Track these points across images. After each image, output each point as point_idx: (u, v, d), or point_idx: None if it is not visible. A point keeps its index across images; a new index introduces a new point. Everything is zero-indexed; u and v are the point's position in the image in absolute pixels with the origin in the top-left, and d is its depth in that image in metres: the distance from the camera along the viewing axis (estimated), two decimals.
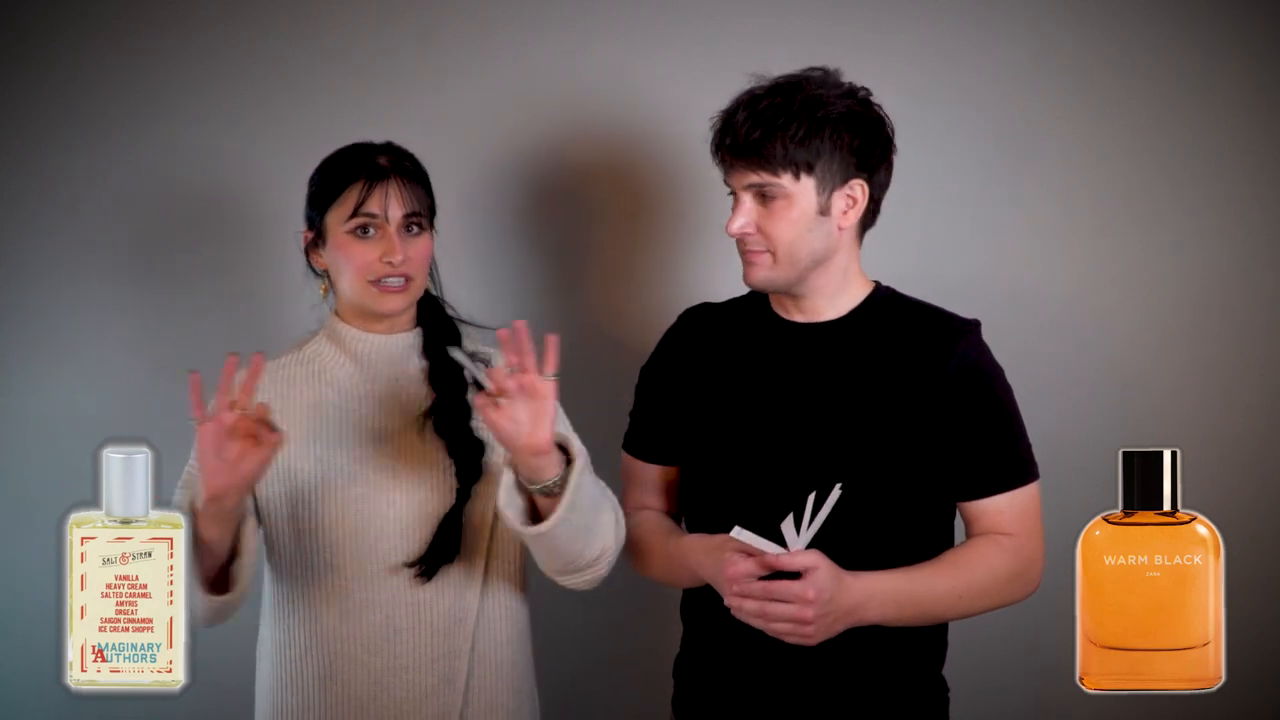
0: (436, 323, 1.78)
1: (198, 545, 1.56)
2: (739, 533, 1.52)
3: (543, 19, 2.17)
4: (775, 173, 1.60)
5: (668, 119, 2.12)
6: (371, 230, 1.68)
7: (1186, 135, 2.14)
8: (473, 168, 2.17)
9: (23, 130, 2.18)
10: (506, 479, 1.58)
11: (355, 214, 1.68)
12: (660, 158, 2.15)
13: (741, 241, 1.65)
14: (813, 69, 1.64)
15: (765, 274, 1.65)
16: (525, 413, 1.52)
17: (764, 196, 1.62)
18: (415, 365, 1.76)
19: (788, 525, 1.52)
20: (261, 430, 1.54)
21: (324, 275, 1.76)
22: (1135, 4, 2.13)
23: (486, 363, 1.77)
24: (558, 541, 1.59)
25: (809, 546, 1.53)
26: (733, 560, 1.54)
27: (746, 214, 1.63)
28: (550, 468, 1.55)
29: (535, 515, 1.61)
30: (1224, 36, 2.13)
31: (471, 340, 1.80)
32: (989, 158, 2.16)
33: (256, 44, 2.18)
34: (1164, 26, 2.13)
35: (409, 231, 1.70)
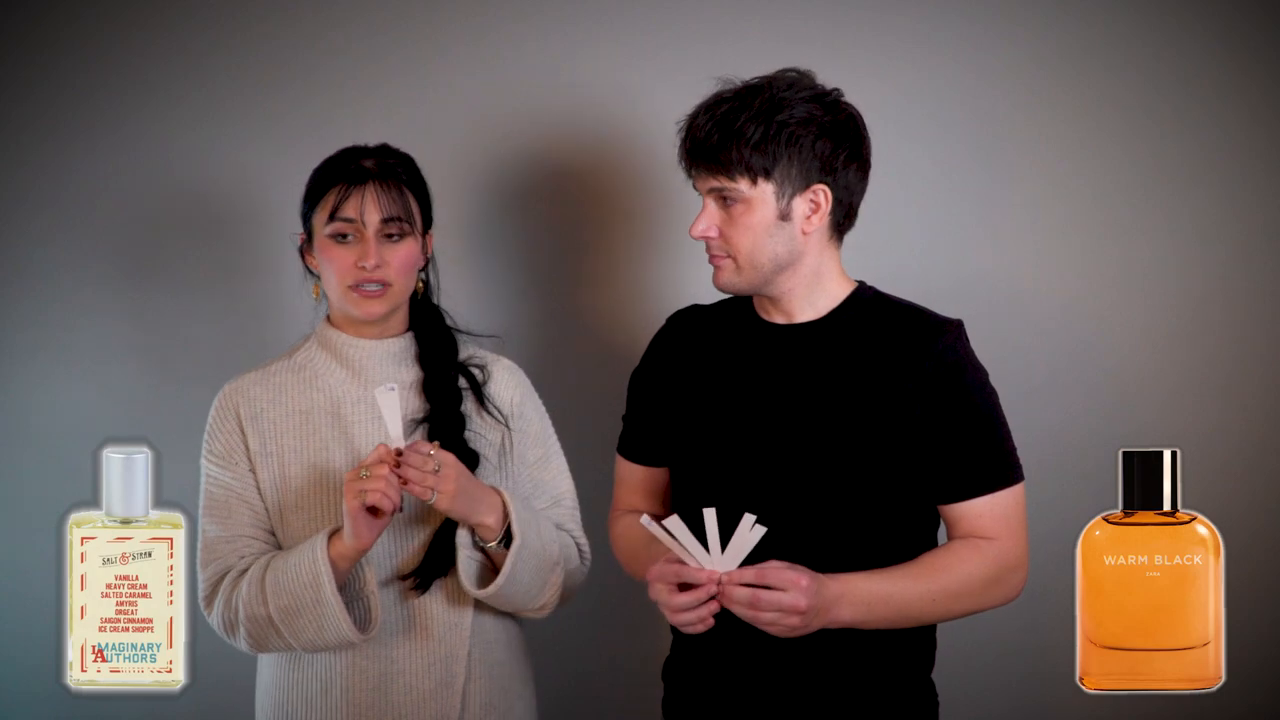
0: (432, 332, 1.77)
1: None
2: (648, 523, 1.53)
3: (538, 22, 2.17)
4: (733, 177, 1.59)
5: (662, 122, 2.10)
6: (349, 235, 1.68)
7: (1187, 135, 2.14)
8: (467, 170, 2.17)
9: (22, 131, 2.18)
10: (462, 535, 1.68)
11: (332, 218, 1.68)
12: (652, 160, 2.15)
13: (706, 245, 1.65)
14: (787, 70, 1.63)
15: (728, 278, 1.65)
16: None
17: (725, 201, 1.61)
18: (408, 374, 1.75)
19: (695, 547, 1.52)
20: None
21: (317, 276, 1.76)
22: (1135, 4, 2.13)
23: (482, 368, 1.77)
24: (498, 601, 1.69)
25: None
26: (657, 573, 1.55)
27: (708, 218, 1.63)
28: (488, 533, 1.66)
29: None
30: (1225, 36, 2.13)
31: (465, 347, 1.80)
32: (989, 158, 2.16)
33: (255, 46, 2.18)
34: (1164, 26, 2.13)
35: (389, 238, 1.69)
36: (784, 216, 1.60)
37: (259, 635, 1.63)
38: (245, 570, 1.65)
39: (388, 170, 1.70)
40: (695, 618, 1.54)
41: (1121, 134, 2.14)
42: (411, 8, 2.18)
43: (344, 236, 1.68)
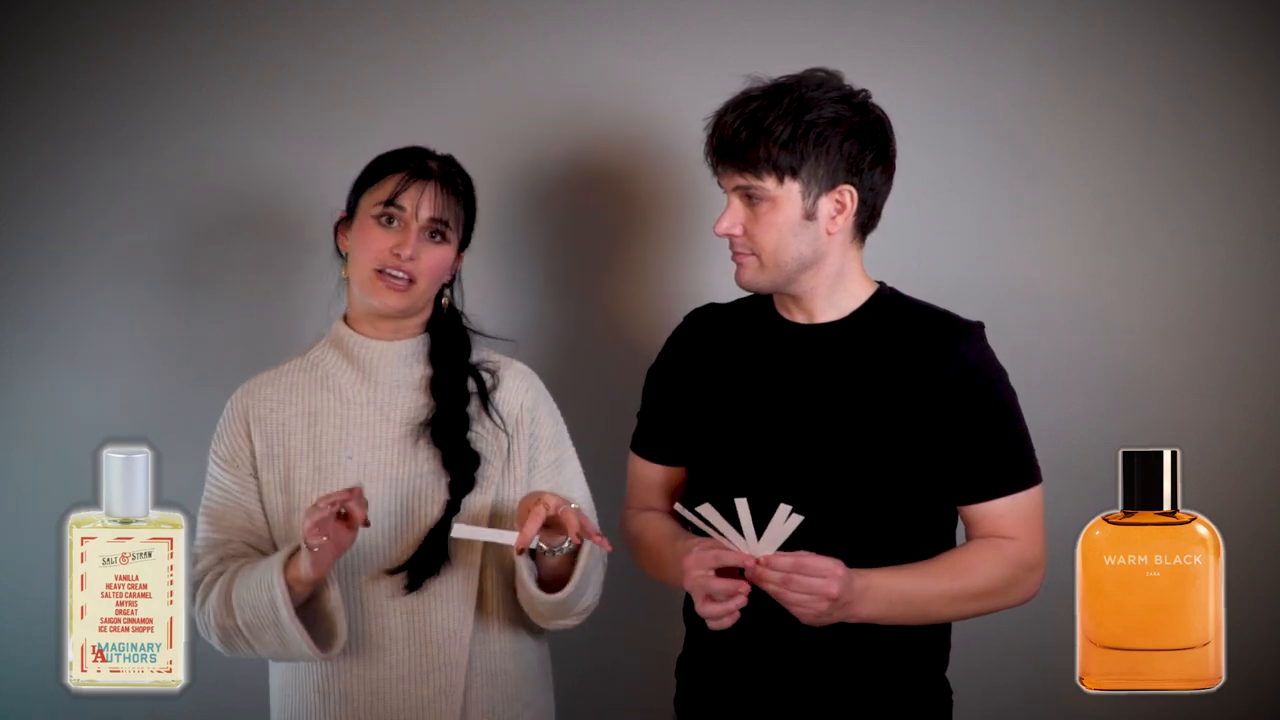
0: (447, 332, 1.77)
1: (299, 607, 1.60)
2: (682, 510, 1.55)
3: (538, 22, 2.17)
4: (759, 176, 1.59)
5: (673, 119, 2.12)
6: (395, 221, 1.70)
7: (1187, 135, 2.14)
8: (478, 171, 2.16)
9: (22, 131, 2.18)
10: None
11: (386, 202, 1.69)
12: (665, 158, 2.15)
13: (729, 243, 1.65)
14: (815, 70, 1.63)
15: (751, 276, 1.65)
16: None
17: (750, 199, 1.61)
18: (418, 373, 1.75)
19: (731, 532, 1.54)
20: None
21: (346, 259, 1.76)
22: (1135, 4, 2.13)
23: (493, 373, 1.77)
24: (561, 605, 1.66)
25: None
26: (694, 561, 1.56)
27: (733, 215, 1.63)
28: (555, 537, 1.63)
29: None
30: (1225, 36, 2.13)
31: (479, 349, 1.80)
32: (989, 158, 2.16)
33: (255, 46, 2.18)
34: (1164, 26, 2.13)
35: (431, 237, 1.70)
36: (809, 216, 1.61)
37: (229, 642, 1.65)
38: (220, 575, 1.66)
39: (450, 176, 1.73)
40: (722, 610, 1.54)
41: (1121, 134, 2.14)
42: (412, 8, 2.18)
43: (390, 221, 1.69)
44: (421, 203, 1.69)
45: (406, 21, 2.18)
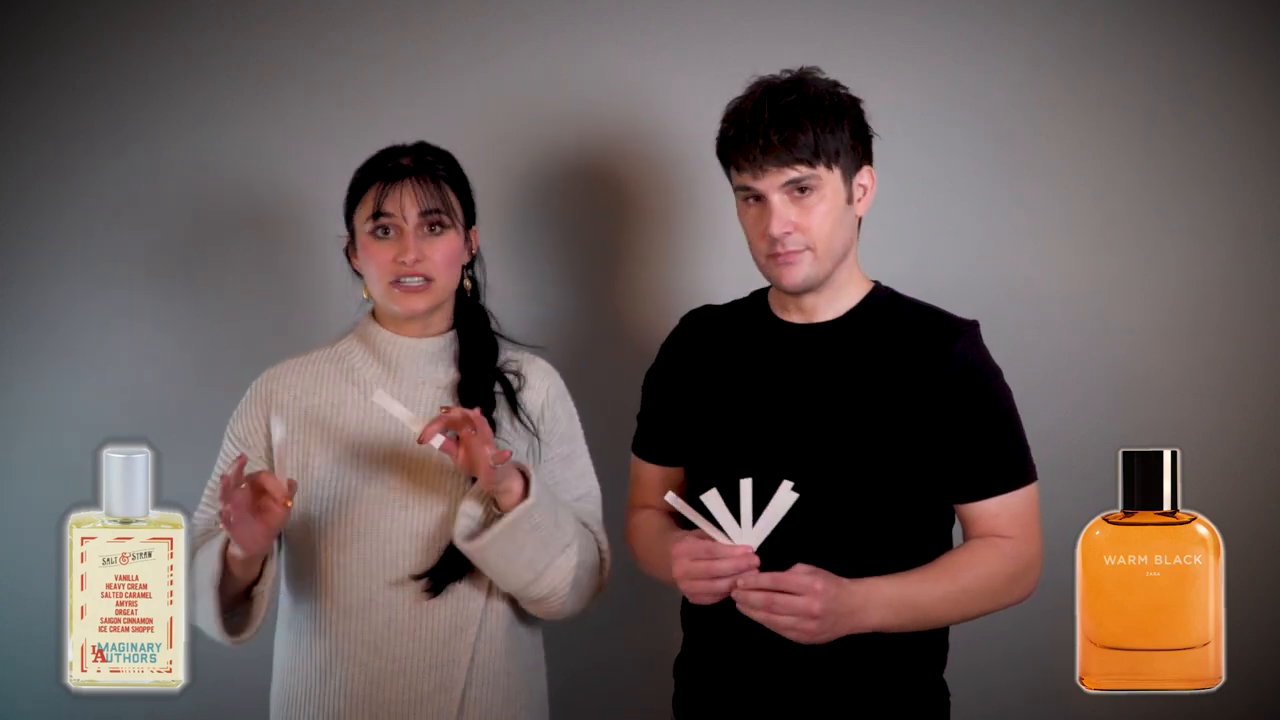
0: (475, 334, 1.77)
1: (224, 583, 1.62)
2: (673, 499, 1.54)
3: (538, 22, 2.17)
4: (811, 164, 1.59)
5: (673, 119, 2.12)
6: (390, 231, 1.69)
7: (1187, 135, 2.14)
8: (477, 170, 2.15)
9: (22, 131, 2.18)
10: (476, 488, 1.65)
11: (373, 215, 1.69)
12: (666, 157, 2.15)
13: (779, 243, 1.61)
14: (786, 70, 1.65)
15: (807, 271, 1.63)
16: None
17: (800, 191, 1.60)
18: (444, 374, 1.75)
19: (727, 519, 1.54)
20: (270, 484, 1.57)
21: (364, 278, 1.76)
22: (1135, 4, 2.13)
23: (517, 374, 1.77)
24: (486, 563, 1.64)
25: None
26: (685, 548, 1.56)
27: (783, 213, 1.60)
28: (510, 499, 1.63)
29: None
30: (1225, 36, 2.13)
31: (502, 350, 1.80)
32: (988, 158, 2.16)
33: (255, 46, 2.18)
34: (1164, 26, 2.13)
35: (430, 231, 1.70)
36: (849, 200, 1.64)
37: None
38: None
39: (425, 166, 1.72)
40: (706, 587, 1.54)
41: (1121, 134, 2.14)
42: (412, 8, 2.18)
43: (384, 232, 1.69)
44: (405, 203, 1.69)
45: (406, 21, 2.18)
